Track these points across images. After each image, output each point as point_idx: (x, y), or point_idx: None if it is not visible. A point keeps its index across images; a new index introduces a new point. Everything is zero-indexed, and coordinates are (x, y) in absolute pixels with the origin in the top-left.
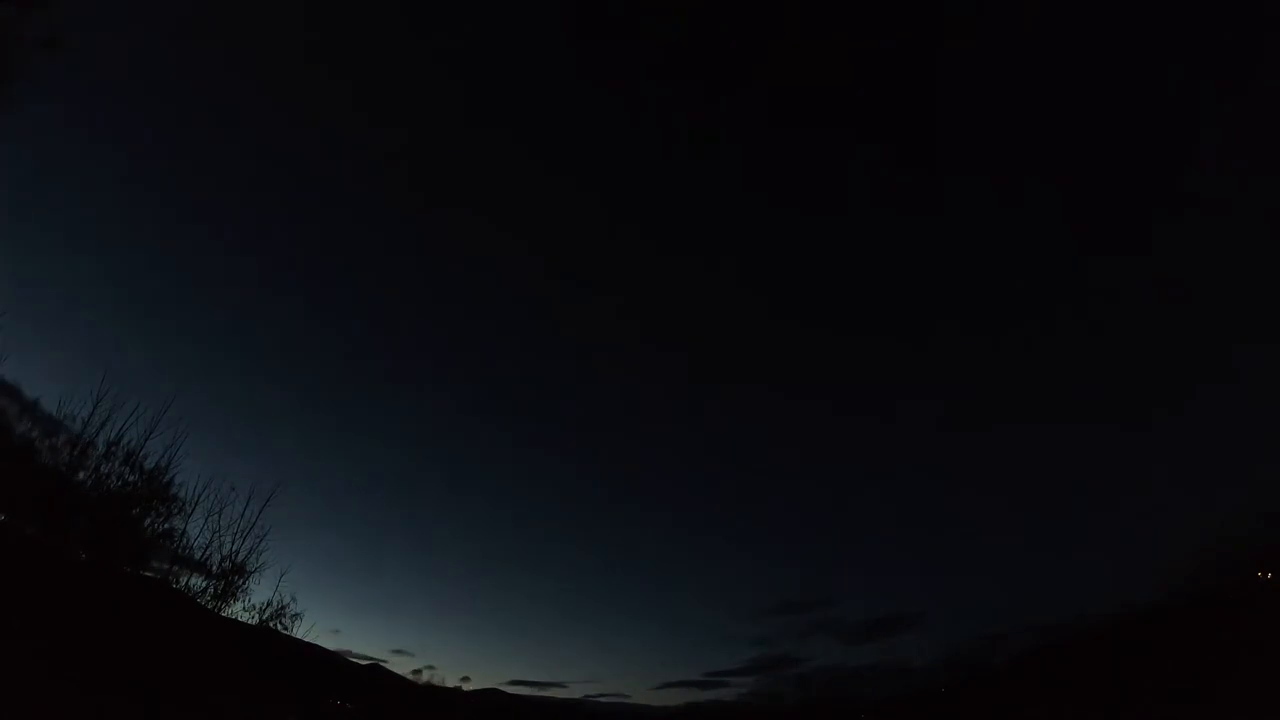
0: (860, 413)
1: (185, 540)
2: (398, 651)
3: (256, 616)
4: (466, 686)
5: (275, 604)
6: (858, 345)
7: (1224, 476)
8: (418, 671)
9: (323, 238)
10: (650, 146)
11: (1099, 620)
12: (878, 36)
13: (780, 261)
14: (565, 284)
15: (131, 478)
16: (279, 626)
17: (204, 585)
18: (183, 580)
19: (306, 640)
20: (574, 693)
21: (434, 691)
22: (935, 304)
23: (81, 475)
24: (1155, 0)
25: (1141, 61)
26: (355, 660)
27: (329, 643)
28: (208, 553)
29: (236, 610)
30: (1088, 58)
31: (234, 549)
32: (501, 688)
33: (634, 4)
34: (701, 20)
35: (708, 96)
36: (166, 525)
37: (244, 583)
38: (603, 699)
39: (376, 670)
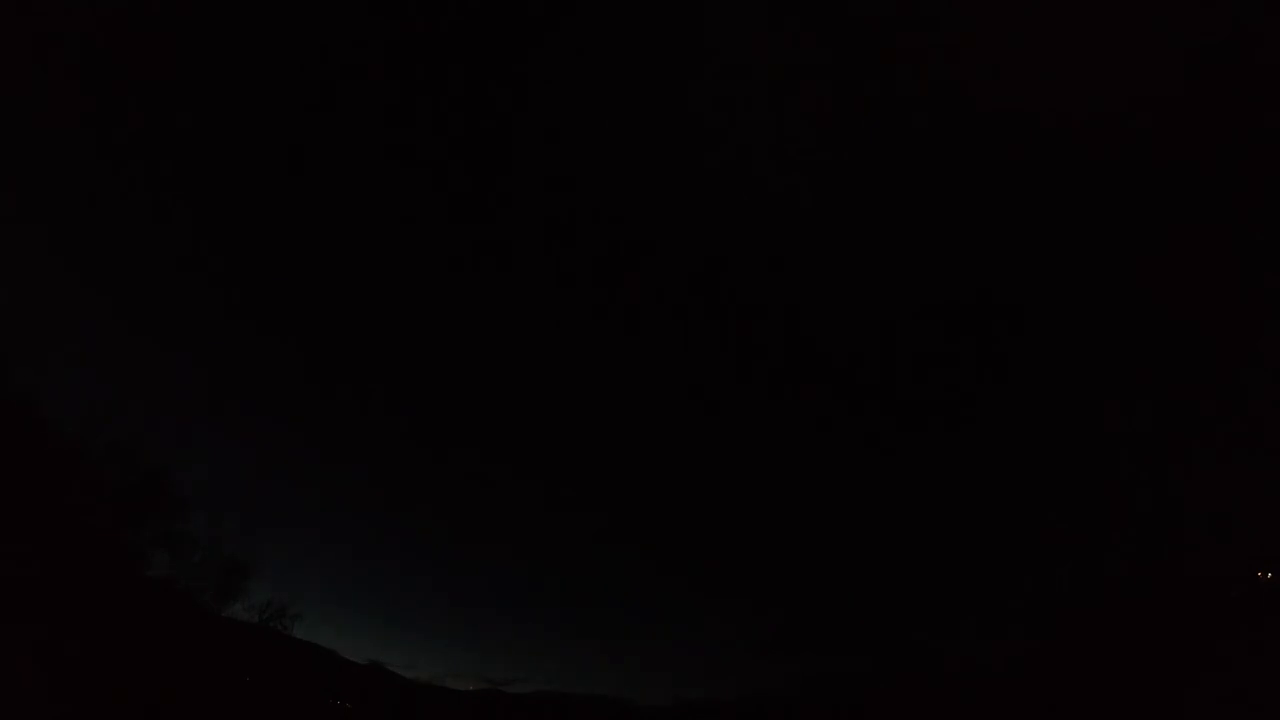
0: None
1: (185, 541)
2: (398, 651)
3: (256, 616)
4: (466, 686)
5: (275, 604)
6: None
7: (1224, 475)
8: (417, 671)
9: (326, 239)
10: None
11: (1098, 620)
12: None
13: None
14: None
15: (132, 478)
16: (279, 626)
17: (204, 585)
18: (183, 580)
19: (306, 640)
20: (573, 691)
21: (434, 691)
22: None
23: (82, 475)
24: None
25: None
26: (355, 660)
27: (329, 643)
28: (208, 553)
29: (236, 610)
30: None
31: (234, 549)
32: (502, 687)
33: None
34: None
35: None
36: (167, 526)
37: (244, 583)
38: (602, 698)
39: (376, 670)
